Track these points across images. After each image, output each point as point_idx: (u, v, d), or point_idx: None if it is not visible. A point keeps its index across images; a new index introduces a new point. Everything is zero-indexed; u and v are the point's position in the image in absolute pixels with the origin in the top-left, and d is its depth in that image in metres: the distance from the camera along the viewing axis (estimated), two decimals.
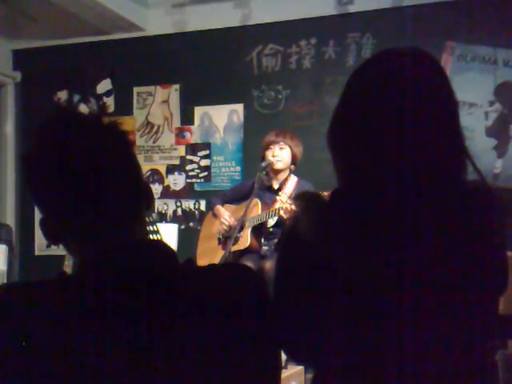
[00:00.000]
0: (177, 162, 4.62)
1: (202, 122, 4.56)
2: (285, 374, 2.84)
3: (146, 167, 4.60)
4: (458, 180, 1.06)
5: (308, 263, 1.05)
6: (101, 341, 0.87)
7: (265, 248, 3.50)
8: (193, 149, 4.59)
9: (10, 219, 4.87)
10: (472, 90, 3.81)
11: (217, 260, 3.41)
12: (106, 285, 0.89)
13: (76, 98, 4.89)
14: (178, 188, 4.63)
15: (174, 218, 4.60)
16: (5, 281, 3.63)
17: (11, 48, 4.98)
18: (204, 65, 4.48)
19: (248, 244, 3.50)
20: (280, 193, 3.36)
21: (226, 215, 3.67)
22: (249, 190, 3.52)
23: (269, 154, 3.49)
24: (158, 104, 4.66)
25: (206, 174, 4.55)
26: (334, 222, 1.05)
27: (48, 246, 4.71)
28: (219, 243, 3.74)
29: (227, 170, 4.49)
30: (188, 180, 4.59)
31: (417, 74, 1.04)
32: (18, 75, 4.96)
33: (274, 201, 3.42)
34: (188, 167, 4.59)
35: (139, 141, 4.67)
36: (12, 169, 4.93)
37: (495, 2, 3.84)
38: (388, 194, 1.03)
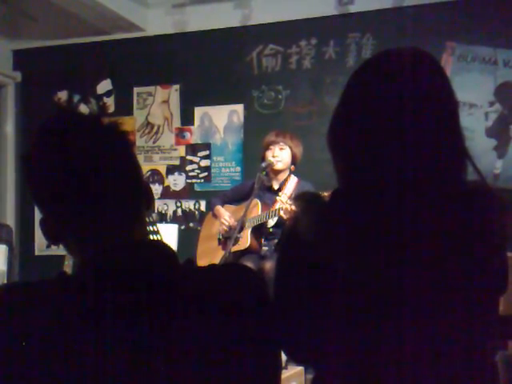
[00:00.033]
0: (177, 162, 4.62)
1: (202, 123, 4.56)
2: (285, 374, 2.84)
3: (146, 167, 4.60)
4: (458, 180, 1.05)
5: (308, 263, 1.05)
6: (101, 341, 0.87)
7: (265, 248, 3.50)
8: (193, 149, 4.59)
9: (10, 219, 4.87)
10: (472, 90, 3.81)
11: (217, 260, 3.41)
12: (106, 285, 0.89)
13: (76, 98, 4.89)
14: (178, 188, 4.63)
15: (174, 219, 4.60)
16: (5, 281, 3.63)
17: (11, 48, 4.98)
18: (204, 65, 4.49)
19: (248, 244, 3.50)
20: (280, 193, 3.36)
21: (226, 215, 3.67)
22: (249, 190, 3.52)
23: (269, 155, 3.49)
24: (158, 104, 4.66)
25: (206, 174, 4.55)
26: (334, 223, 1.05)
27: (48, 246, 4.71)
28: (219, 243, 3.74)
29: (227, 171, 4.49)
30: (188, 180, 4.59)
31: (417, 75, 1.04)
32: (18, 75, 4.96)
33: (274, 201, 3.42)
34: (188, 167, 4.59)
35: (139, 141, 4.67)
36: (12, 169, 4.93)
37: (495, 1, 3.84)
38: (388, 194, 1.03)
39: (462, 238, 1.01)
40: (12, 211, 4.94)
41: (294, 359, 1.24)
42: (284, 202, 3.19)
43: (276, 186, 3.56)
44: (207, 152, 4.54)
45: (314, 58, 4.26)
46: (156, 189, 4.61)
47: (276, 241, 3.45)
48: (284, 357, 1.12)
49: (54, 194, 0.95)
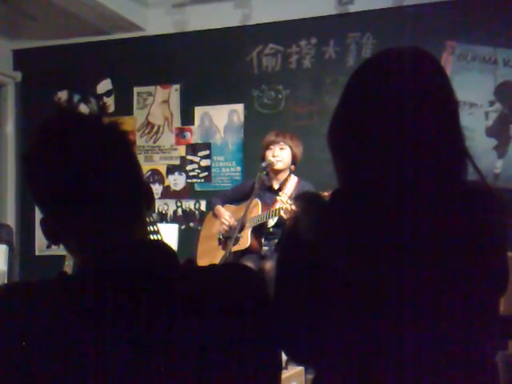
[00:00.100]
0: (177, 162, 4.62)
1: (203, 122, 4.56)
2: (285, 374, 2.84)
3: (146, 167, 4.60)
4: (459, 180, 1.05)
5: (308, 263, 1.05)
6: (101, 341, 0.87)
7: (265, 248, 3.50)
8: (193, 149, 4.59)
9: (10, 219, 4.87)
10: (472, 89, 3.80)
11: (217, 260, 3.41)
12: (106, 285, 0.89)
13: (76, 97, 4.89)
14: (178, 188, 4.63)
15: (175, 218, 4.60)
16: (5, 281, 3.63)
17: (11, 48, 4.98)
18: (204, 65, 4.48)
19: (248, 244, 3.50)
20: (280, 193, 3.36)
21: (227, 215, 3.67)
22: (249, 190, 3.52)
23: (269, 154, 3.49)
24: (158, 104, 4.66)
25: (206, 174, 4.55)
26: (334, 223, 1.05)
27: (48, 246, 4.72)
28: (219, 243, 3.74)
29: (227, 170, 4.49)
30: (188, 180, 4.59)
31: (417, 74, 1.04)
32: (18, 75, 4.96)
33: (275, 201, 3.42)
34: (188, 167, 4.59)
35: (139, 141, 4.67)
36: (12, 169, 4.93)
37: (495, 1, 3.84)
38: (388, 194, 1.03)
39: (462, 238, 1.01)
40: (12, 211, 4.94)
41: (294, 359, 1.24)
42: (284, 202, 3.19)
43: (276, 186, 3.56)
44: (207, 152, 4.54)
45: (314, 58, 4.26)
46: (156, 189, 4.61)
47: (276, 241, 3.45)
48: (284, 357, 1.12)
49: (55, 193, 0.94)
